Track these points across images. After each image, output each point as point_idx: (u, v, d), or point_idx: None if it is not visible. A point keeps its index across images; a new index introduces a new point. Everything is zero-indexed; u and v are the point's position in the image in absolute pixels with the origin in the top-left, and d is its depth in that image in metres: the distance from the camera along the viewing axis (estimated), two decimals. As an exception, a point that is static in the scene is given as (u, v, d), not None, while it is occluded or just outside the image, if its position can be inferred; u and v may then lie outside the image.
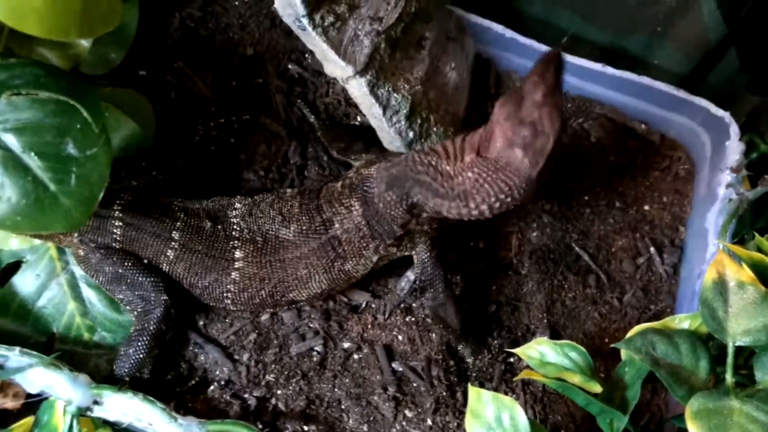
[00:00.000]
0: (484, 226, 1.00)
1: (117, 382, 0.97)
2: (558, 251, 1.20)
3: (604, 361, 1.12)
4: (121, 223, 0.98)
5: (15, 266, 1.06)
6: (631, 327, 0.96)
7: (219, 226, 1.02)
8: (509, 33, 1.26)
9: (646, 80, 1.26)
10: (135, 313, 1.00)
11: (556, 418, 1.09)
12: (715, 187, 1.17)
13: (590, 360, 0.93)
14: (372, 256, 1.03)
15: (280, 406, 1.04)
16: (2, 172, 0.76)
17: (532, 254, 1.19)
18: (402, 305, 1.11)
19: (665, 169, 1.31)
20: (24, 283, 1.05)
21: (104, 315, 1.06)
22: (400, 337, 1.09)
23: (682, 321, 0.94)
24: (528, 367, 0.95)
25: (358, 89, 1.06)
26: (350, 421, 1.04)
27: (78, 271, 1.06)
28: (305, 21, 0.99)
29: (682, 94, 1.25)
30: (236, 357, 1.06)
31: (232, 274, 1.00)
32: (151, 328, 0.99)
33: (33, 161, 0.78)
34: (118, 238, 0.99)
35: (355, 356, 1.08)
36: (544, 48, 1.26)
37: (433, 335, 1.10)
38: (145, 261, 1.00)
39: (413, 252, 1.07)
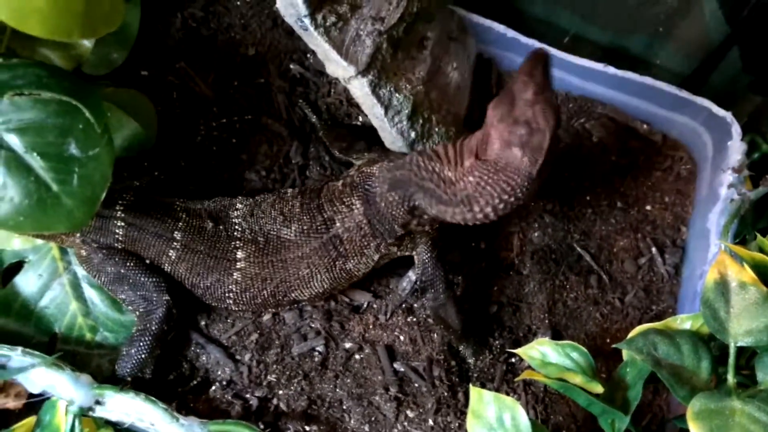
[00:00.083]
0: (485, 226, 1.00)
1: (119, 383, 0.97)
2: (560, 251, 1.20)
3: (606, 362, 1.12)
4: (123, 224, 0.99)
5: (17, 266, 1.06)
6: (632, 327, 0.96)
7: (221, 227, 1.02)
8: (511, 33, 1.26)
9: (648, 80, 1.26)
10: (137, 313, 1.01)
11: (558, 419, 1.09)
12: (717, 188, 1.17)
13: (592, 360, 0.93)
14: (373, 254, 1.03)
15: (282, 406, 1.04)
16: (5, 172, 0.76)
17: (534, 254, 1.19)
18: (403, 305, 1.12)
19: (667, 169, 1.31)
20: (26, 283, 1.05)
21: (106, 315, 1.06)
22: (401, 338, 1.09)
23: (684, 321, 0.94)
24: (529, 367, 0.95)
25: (360, 89, 1.06)
26: (352, 422, 1.04)
27: (80, 272, 1.06)
28: (307, 21, 0.99)
29: (683, 94, 1.25)
30: (238, 357, 1.06)
31: (234, 274, 1.00)
32: (153, 328, 0.99)
33: (35, 161, 0.78)
34: (120, 239, 0.99)
35: (357, 356, 1.08)
36: (545, 48, 1.26)
37: (435, 335, 1.10)
38: (147, 261, 1.00)
39: (414, 252, 1.07)
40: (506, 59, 1.31)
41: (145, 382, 1.00)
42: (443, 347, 1.09)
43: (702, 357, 0.85)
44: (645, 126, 1.33)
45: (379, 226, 1.01)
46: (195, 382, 1.04)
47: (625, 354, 0.93)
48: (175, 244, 1.00)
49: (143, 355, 0.99)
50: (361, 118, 1.22)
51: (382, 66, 1.07)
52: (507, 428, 0.80)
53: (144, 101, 1.07)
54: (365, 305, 1.11)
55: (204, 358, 1.06)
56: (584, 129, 1.31)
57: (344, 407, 1.05)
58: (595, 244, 1.23)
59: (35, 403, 0.94)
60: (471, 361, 1.10)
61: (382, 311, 1.11)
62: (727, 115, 1.21)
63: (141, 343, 0.99)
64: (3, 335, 1.03)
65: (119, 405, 0.91)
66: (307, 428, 1.03)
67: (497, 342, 1.12)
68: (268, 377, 1.05)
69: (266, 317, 1.09)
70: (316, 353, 1.07)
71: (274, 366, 1.06)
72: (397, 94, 1.08)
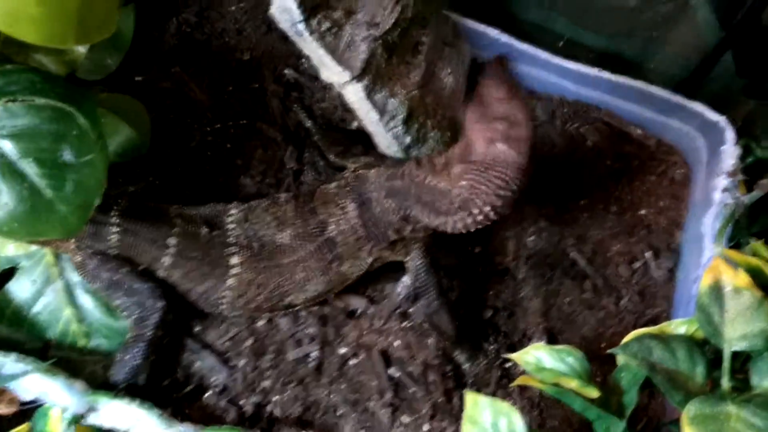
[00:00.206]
0: (480, 230, 1.00)
1: (113, 389, 0.96)
2: (554, 256, 1.20)
3: (601, 366, 1.12)
4: (118, 229, 0.98)
5: (10, 272, 1.05)
6: (627, 331, 0.96)
7: (215, 232, 1.02)
8: (505, 38, 1.27)
9: (642, 85, 1.26)
10: (131, 319, 1.00)
11: (553, 423, 1.09)
12: (711, 192, 1.17)
13: (587, 365, 0.93)
14: (366, 257, 1.04)
15: (277, 412, 1.04)
16: (-1, 178, 0.76)
17: (529, 259, 1.19)
18: (398, 310, 1.11)
19: (661, 174, 1.31)
20: (19, 289, 1.05)
21: (100, 321, 1.05)
22: (396, 343, 1.09)
23: (679, 326, 0.94)
24: (525, 372, 0.95)
25: (354, 94, 1.06)
26: (347, 427, 1.03)
27: (74, 278, 1.05)
28: (302, 26, 0.99)
29: (677, 98, 1.26)
30: (232, 363, 1.06)
31: (229, 280, 1.00)
32: (148, 334, 0.99)
33: (29, 168, 0.78)
34: (114, 245, 0.98)
35: (352, 362, 1.08)
36: (539, 52, 1.27)
37: (430, 340, 1.10)
38: (142, 267, 1.00)
39: (407, 258, 1.07)
40: (501, 64, 1.31)
41: (140, 389, 0.99)
42: (438, 352, 1.09)
43: (697, 362, 0.85)
44: (639, 130, 1.33)
45: (373, 230, 1.01)
46: (189, 388, 1.04)
47: (620, 359, 0.93)
48: (169, 250, 0.99)
49: (138, 362, 0.99)
50: (355, 123, 1.22)
51: (376, 71, 1.07)
52: (502, 434, 0.80)
53: (138, 106, 1.07)
54: (360, 310, 1.11)
55: (198, 364, 1.06)
56: (579, 133, 1.31)
57: (339, 413, 1.04)
58: (590, 249, 1.23)
59: (28, 410, 0.93)
60: (466, 366, 1.10)
61: (377, 316, 1.11)
62: (721, 120, 1.21)
63: (135, 350, 0.99)
64: (-4, 342, 1.02)
65: (113, 412, 0.91)
66: (302, 434, 1.03)
67: (492, 347, 1.12)
68: (263, 383, 1.05)
69: (261, 323, 1.09)
70: (311, 359, 1.07)
71: (269, 372, 1.06)
72: (392, 99, 1.08)
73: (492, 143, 0.92)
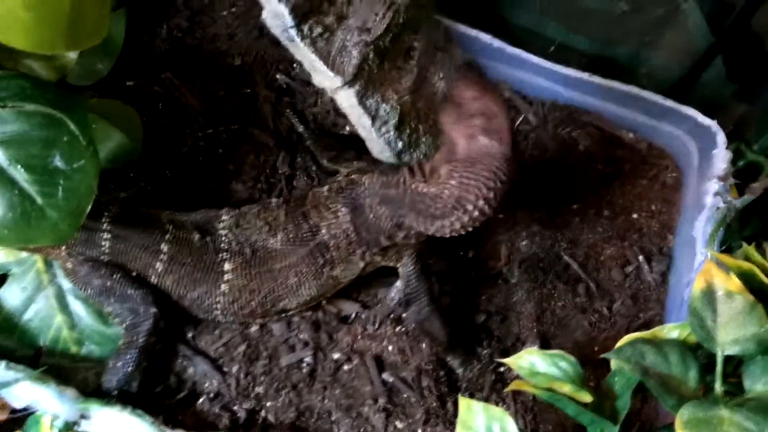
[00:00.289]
0: (473, 234, 1.00)
1: (105, 396, 0.96)
2: (547, 260, 1.20)
3: (594, 370, 1.12)
4: (109, 236, 0.98)
5: (1, 279, 1.05)
6: (620, 335, 0.96)
7: (207, 238, 1.02)
8: (497, 42, 1.27)
9: (633, 89, 1.26)
10: (124, 325, 1.00)
11: (547, 428, 1.09)
12: (703, 196, 1.17)
13: (580, 369, 0.93)
14: (359, 262, 1.03)
15: (270, 418, 1.03)
16: (-12, 185, 0.76)
17: (522, 263, 1.19)
18: (392, 315, 1.11)
19: (653, 178, 1.31)
20: (10, 296, 1.04)
21: (92, 328, 1.05)
22: (390, 348, 1.09)
23: (671, 330, 0.94)
24: (518, 376, 0.95)
25: (346, 100, 1.06)
26: (340, 433, 1.03)
27: (65, 284, 1.05)
28: (293, 32, 0.99)
29: (669, 102, 1.26)
30: (225, 369, 1.06)
31: (222, 286, 1.00)
32: (140, 340, 0.98)
33: (20, 174, 0.77)
34: (106, 251, 0.98)
35: (345, 367, 1.08)
36: (531, 57, 1.27)
37: (423, 345, 1.10)
38: (134, 273, 0.99)
39: (398, 264, 1.07)
40: (492, 69, 1.31)
41: (132, 395, 0.99)
42: (432, 357, 1.09)
43: (690, 366, 0.85)
44: (631, 135, 1.33)
45: (365, 235, 1.01)
46: (182, 395, 1.03)
47: (614, 363, 0.93)
48: (161, 256, 0.99)
49: (130, 368, 0.98)
50: (348, 128, 1.22)
51: (368, 76, 1.06)
52: (496, 439, 0.80)
53: (129, 112, 1.07)
54: (353, 315, 1.11)
55: (191, 371, 1.05)
56: (571, 138, 1.31)
57: (333, 419, 1.04)
58: (583, 253, 1.23)
59: (19, 418, 0.93)
60: (459, 371, 1.10)
61: (371, 321, 1.10)
62: (712, 124, 1.21)
63: (128, 356, 0.99)
64: (-14, 349, 1.02)
65: (105, 419, 0.90)
66: (295, 440, 1.02)
67: (486, 351, 1.12)
68: (256, 389, 1.05)
69: (254, 328, 1.08)
70: (305, 364, 1.07)
71: (262, 377, 1.05)
72: (384, 104, 1.08)
73: (473, 138, 0.92)
